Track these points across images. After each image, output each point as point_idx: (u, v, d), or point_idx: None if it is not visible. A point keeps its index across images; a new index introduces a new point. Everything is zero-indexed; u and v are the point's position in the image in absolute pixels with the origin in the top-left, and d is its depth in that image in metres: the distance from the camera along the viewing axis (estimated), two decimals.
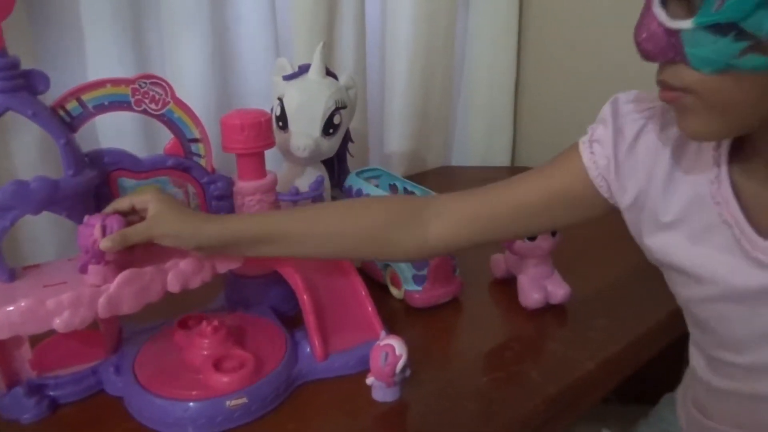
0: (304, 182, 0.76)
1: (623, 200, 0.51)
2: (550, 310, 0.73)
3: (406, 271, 0.73)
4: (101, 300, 0.51)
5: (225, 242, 0.56)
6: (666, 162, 0.48)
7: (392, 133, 1.22)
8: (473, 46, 1.26)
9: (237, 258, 0.61)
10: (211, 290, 0.69)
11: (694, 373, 0.56)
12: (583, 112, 1.19)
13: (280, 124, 0.74)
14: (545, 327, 0.71)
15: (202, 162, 0.66)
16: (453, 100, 1.30)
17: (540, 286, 0.72)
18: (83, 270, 0.53)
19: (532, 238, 0.70)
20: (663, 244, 0.49)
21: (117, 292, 0.52)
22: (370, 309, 0.66)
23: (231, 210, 0.68)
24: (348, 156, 0.85)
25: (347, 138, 0.82)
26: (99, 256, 0.52)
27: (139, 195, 0.56)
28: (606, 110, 0.52)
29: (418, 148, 1.26)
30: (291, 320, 0.69)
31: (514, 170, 1.33)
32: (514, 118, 1.31)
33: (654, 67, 0.42)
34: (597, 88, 1.15)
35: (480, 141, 1.32)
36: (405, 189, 0.82)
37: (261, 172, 0.68)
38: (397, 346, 0.55)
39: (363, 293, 0.66)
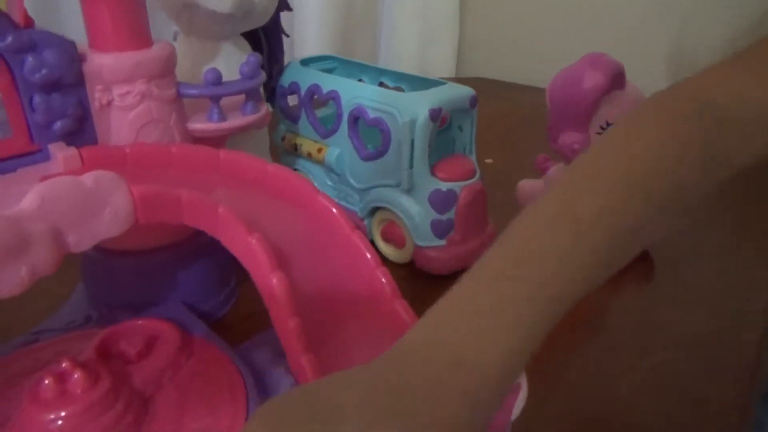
0: (226, 65, 0.41)
1: None
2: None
3: (416, 217, 0.43)
4: None
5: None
6: None
7: (305, 33, 0.88)
8: None
9: (111, 226, 0.27)
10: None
11: None
12: (540, 9, 0.98)
13: None
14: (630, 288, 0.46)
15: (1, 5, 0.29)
16: None
17: None
18: None
19: None
20: None
21: None
22: (388, 291, 0.35)
23: (80, 121, 0.32)
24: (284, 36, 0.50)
25: (283, 3, 0.48)
26: None
27: None
28: None
29: (340, 52, 0.93)
30: (227, 327, 0.36)
31: (461, 81, 1.06)
32: (461, 20, 1.03)
33: None
34: None
35: (413, 48, 1.02)
36: (391, 85, 0.51)
37: (140, 34, 0.33)
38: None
39: (372, 262, 0.35)
